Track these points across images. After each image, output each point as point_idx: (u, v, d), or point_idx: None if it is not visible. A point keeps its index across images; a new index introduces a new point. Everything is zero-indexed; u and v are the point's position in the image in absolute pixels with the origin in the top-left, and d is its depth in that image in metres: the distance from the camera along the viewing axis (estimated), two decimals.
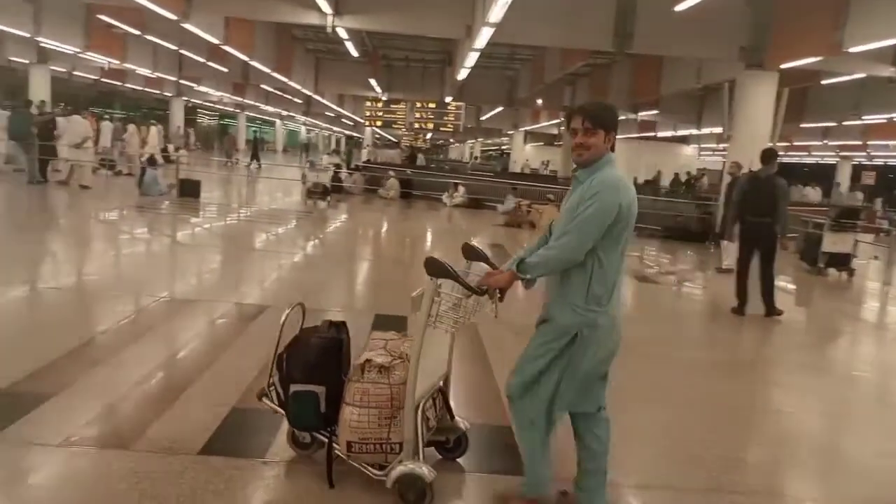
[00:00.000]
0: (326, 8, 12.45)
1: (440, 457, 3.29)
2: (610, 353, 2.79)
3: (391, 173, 19.02)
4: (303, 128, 66.24)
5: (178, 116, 33.39)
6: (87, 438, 3.24)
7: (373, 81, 24.96)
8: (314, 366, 2.96)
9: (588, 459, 2.88)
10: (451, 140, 59.64)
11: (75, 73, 27.32)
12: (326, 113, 44.44)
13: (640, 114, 24.54)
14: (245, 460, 3.18)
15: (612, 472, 2.96)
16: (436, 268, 2.71)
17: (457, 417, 3.30)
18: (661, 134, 30.50)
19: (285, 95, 34.91)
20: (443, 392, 3.24)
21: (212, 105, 43.64)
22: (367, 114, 27.01)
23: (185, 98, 35.43)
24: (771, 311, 7.26)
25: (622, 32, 12.35)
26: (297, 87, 24.90)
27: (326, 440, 2.94)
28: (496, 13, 9.38)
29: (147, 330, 5.16)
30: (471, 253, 3.05)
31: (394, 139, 49.96)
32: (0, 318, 5.26)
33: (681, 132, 29.13)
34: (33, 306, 5.79)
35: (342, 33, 14.51)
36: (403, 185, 18.86)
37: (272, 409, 3.08)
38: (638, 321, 7.53)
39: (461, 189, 18.04)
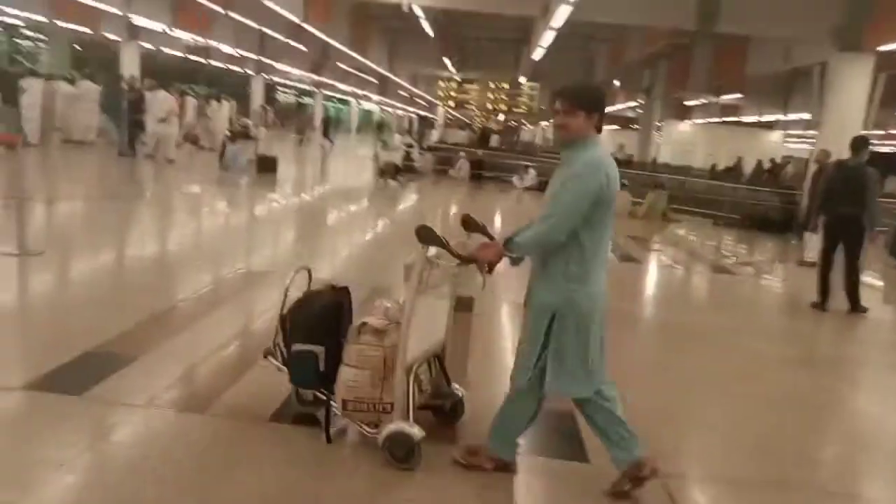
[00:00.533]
0: None
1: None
2: (592, 331, 2.78)
3: (462, 154, 19.00)
4: (377, 108, 66.94)
5: (258, 94, 34.26)
6: (168, 401, 3.41)
7: (446, 61, 24.93)
8: (314, 327, 3.10)
9: (604, 442, 2.88)
10: (524, 122, 59.05)
11: (163, 49, 28.45)
12: (400, 93, 44.72)
13: (722, 97, 23.57)
14: (309, 428, 3.26)
15: (678, 462, 2.90)
16: (427, 235, 2.78)
17: (453, 384, 3.40)
18: (745, 119, 29.22)
19: (361, 74, 35.30)
20: (439, 358, 3.33)
21: (291, 83, 44.65)
22: (441, 94, 27.10)
23: (266, 76, 36.32)
24: (855, 307, 6.90)
25: (706, 11, 11.86)
26: (372, 65, 25.13)
27: (321, 396, 3.07)
28: None
29: (224, 299, 5.38)
30: (470, 224, 3.08)
31: (466, 120, 49.84)
32: (90, 281, 5.60)
33: (766, 118, 27.83)
34: (121, 272, 6.11)
35: (418, 11, 14.53)
36: (474, 167, 18.84)
37: (276, 367, 3.21)
38: (711, 310, 7.35)
39: (532, 171, 17.87)
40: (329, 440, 3.10)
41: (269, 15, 18.27)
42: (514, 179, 17.75)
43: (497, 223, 12.10)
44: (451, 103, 27.58)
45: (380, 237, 9.53)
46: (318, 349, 3.06)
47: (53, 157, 13.18)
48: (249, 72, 34.91)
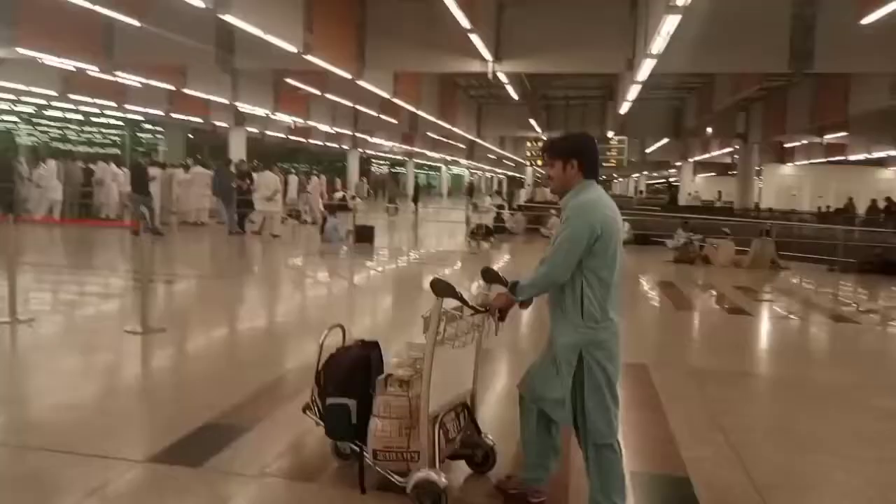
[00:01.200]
0: (487, 56, 12.88)
1: (471, 471, 3.48)
2: (618, 366, 2.92)
3: (553, 212, 18.96)
4: (466, 171, 68.35)
5: (353, 167, 35.86)
6: (279, 470, 3.52)
7: (533, 122, 25.26)
8: (344, 381, 3.25)
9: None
10: (615, 175, 58.45)
11: (267, 132, 30.50)
12: (488, 155, 45.56)
13: (826, 136, 22.48)
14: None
15: None
16: (441, 288, 2.93)
17: (484, 433, 3.46)
18: (852, 157, 27.69)
19: (450, 141, 36.34)
20: (467, 408, 3.41)
21: (384, 154, 46.54)
22: (528, 154, 27.32)
23: (360, 150, 38.05)
24: None
25: (800, 51, 11.48)
26: (461, 132, 25.83)
27: (356, 448, 3.19)
28: (658, 44, 9.17)
29: None
30: (489, 276, 3.22)
31: None
32: (206, 356, 5.92)
33: (876, 154, 26.26)
34: (233, 346, 6.44)
35: (503, 78, 14.90)
36: None
37: (314, 420, 3.38)
38: (833, 364, 6.83)
39: (626, 225, 17.54)
40: (363, 490, 3.19)
41: (361, 93, 19.33)
42: None
43: None
44: (540, 162, 27.67)
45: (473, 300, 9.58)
46: (350, 402, 3.21)
47: (172, 239, 14.22)
48: (345, 147, 36.74)
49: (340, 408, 3.21)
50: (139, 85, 18.35)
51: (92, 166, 18.15)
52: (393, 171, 61.59)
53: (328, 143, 36.05)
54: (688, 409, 4.79)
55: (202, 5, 9.00)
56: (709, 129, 24.16)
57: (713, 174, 40.95)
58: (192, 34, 13.36)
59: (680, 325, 8.24)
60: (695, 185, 36.44)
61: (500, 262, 13.93)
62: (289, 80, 18.07)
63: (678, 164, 37.50)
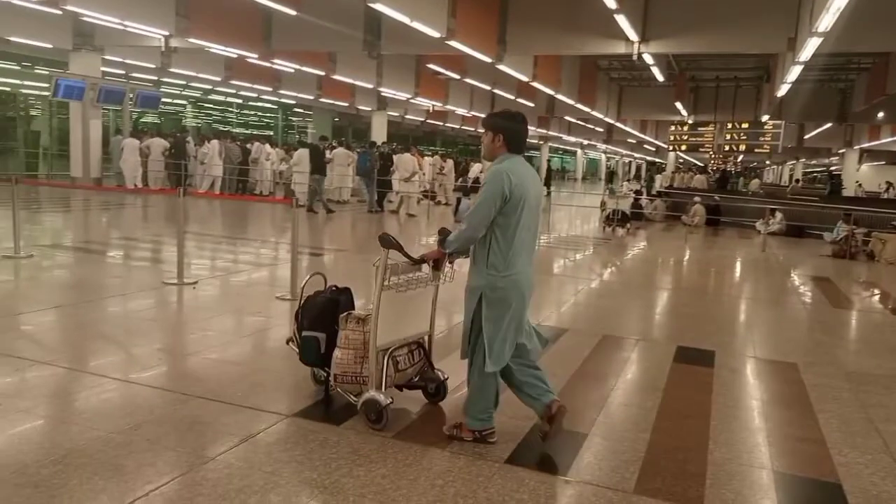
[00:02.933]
0: (633, 36, 12.44)
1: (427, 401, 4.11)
2: (515, 309, 3.44)
3: (696, 199, 18.06)
4: (602, 156, 66.54)
5: None
6: (413, 433, 3.67)
7: (679, 105, 24.09)
8: (316, 318, 3.93)
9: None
10: (767, 162, 54.50)
11: (406, 116, 31.39)
12: (627, 140, 44.04)
13: None
14: (547, 475, 3.30)
15: None
16: (386, 241, 3.54)
17: (438, 370, 4.08)
18: None
19: (587, 125, 35.51)
20: (422, 346, 4.04)
21: None
22: (672, 138, 26.12)
23: None
24: None
25: None
26: (600, 116, 25.16)
27: (324, 373, 3.93)
28: (826, 21, 8.41)
29: (449, 348, 5.65)
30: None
31: (699, 163, 47.34)
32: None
33: None
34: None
35: (648, 59, 14.32)
36: (710, 212, 17.78)
37: (294, 350, 4.05)
38: None
39: (778, 215, 16.36)
40: (328, 404, 3.97)
41: (499, 76, 19.34)
42: (758, 224, 16.38)
43: (736, 273, 11.24)
44: (684, 147, 26.39)
45: (607, 286, 9.36)
46: (321, 335, 3.91)
47: (320, 216, 15.04)
48: (480, 130, 36.96)
49: (313, 339, 3.92)
50: (292, 71, 19.50)
51: (248, 146, 19.57)
52: (526, 154, 61.23)
53: (464, 127, 36.46)
54: (842, 413, 4.43)
55: None
56: (880, 114, 21.86)
57: (882, 163, 37.07)
58: (342, 22, 14.01)
59: (836, 323, 7.60)
60: (858, 175, 33.17)
61: (635, 250, 13.50)
62: (430, 66, 18.42)
63: (841, 151, 34.31)
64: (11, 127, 21.47)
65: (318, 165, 15.37)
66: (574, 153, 61.66)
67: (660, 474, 3.39)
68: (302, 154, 17.76)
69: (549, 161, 42.27)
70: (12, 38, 15.50)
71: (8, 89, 21.12)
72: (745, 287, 9.92)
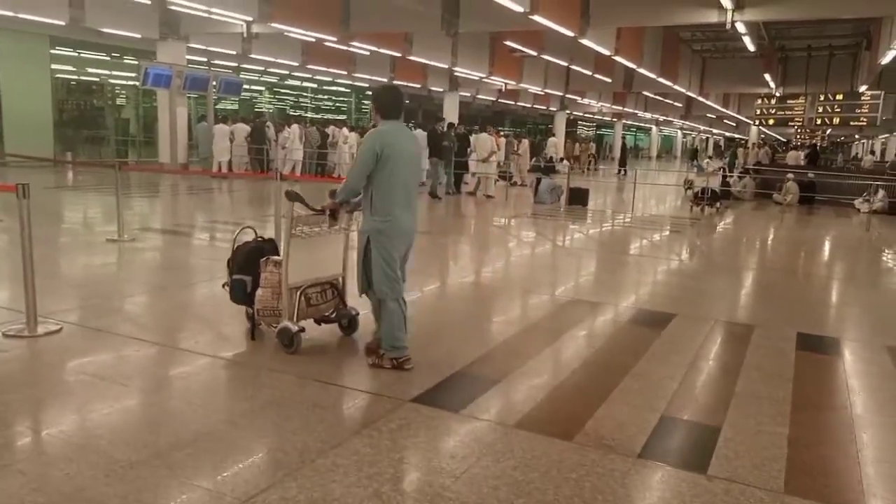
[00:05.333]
0: (727, 3, 11.78)
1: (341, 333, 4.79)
2: (395, 249, 4.10)
3: (789, 176, 17.13)
4: (679, 132, 64.29)
5: (560, 130, 35.31)
6: (535, 424, 3.54)
7: (767, 76, 22.88)
8: (243, 263, 4.60)
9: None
10: (857, 136, 51.36)
11: (478, 96, 31.05)
12: (707, 115, 42.31)
13: None
14: (686, 472, 3.12)
15: None
16: (292, 195, 4.21)
17: (351, 307, 4.75)
18: None
19: (665, 100, 34.27)
20: (335, 286, 4.69)
21: (591, 116, 45.28)
22: (758, 112, 24.84)
23: (568, 111, 37.32)
24: None
25: None
26: (682, 90, 24.19)
27: (251, 310, 4.61)
28: None
29: (561, 327, 5.48)
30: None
31: (781, 138, 45.06)
32: (445, 309, 6.16)
33: None
34: (467, 300, 6.63)
35: (741, 28, 13.57)
36: (803, 189, 16.85)
37: (227, 292, 4.68)
38: None
39: (881, 192, 15.33)
40: (253, 338, 4.64)
41: (576, 52, 18.80)
42: (857, 202, 15.42)
43: (843, 254, 10.57)
44: (771, 121, 25.09)
45: (709, 267, 8.95)
46: (247, 278, 4.57)
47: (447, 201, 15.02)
48: (553, 108, 36.27)
49: (240, 282, 4.59)
50: (367, 53, 19.52)
51: (326, 130, 19.78)
52: (598, 132, 59.86)
53: (536, 105, 35.83)
54: (879, 405, 4.04)
55: None
56: None
57: None
58: (421, 1, 13.84)
59: None
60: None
61: (729, 230, 12.90)
62: (507, 42, 18.06)
63: None
64: (101, 115, 22.41)
65: (437, 149, 15.14)
66: (648, 130, 59.83)
67: (808, 473, 3.16)
68: None
69: (623, 138, 41.03)
70: (104, 30, 16.07)
71: (98, 79, 22.02)
72: (857, 269, 9.32)
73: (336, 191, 4.19)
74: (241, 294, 4.61)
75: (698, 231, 12.26)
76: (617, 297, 6.78)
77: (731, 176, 18.37)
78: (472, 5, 13.20)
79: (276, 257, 4.51)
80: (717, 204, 14.66)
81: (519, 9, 11.20)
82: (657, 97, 33.25)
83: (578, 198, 14.65)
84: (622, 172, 27.58)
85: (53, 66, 19.12)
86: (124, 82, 22.50)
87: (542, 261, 9.01)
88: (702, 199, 14.55)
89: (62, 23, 14.94)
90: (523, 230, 11.80)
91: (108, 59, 21.24)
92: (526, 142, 21.35)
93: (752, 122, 33.39)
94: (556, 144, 27.28)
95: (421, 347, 4.68)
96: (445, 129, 15.96)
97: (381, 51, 18.36)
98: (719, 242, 11.53)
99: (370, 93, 4.39)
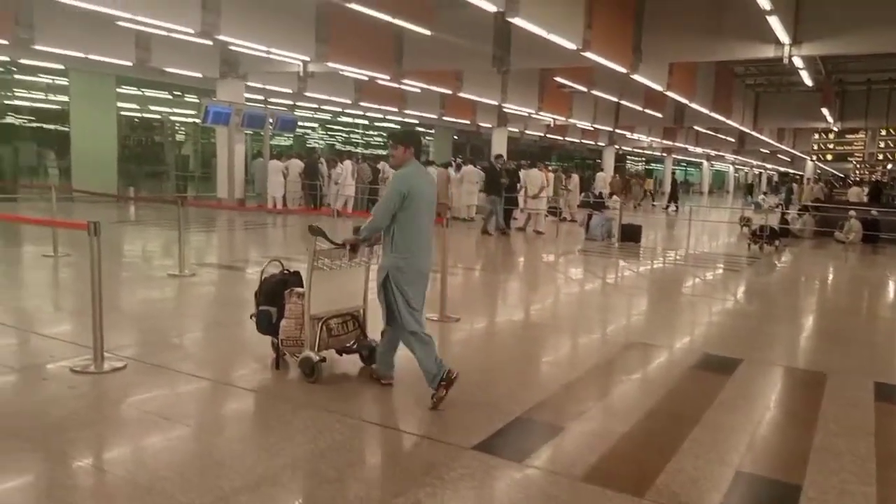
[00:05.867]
0: (785, 38, 11.58)
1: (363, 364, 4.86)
2: (412, 285, 4.25)
3: (851, 213, 16.54)
4: (731, 167, 63.12)
5: (609, 164, 35.07)
6: (603, 477, 3.39)
7: (824, 111, 22.33)
8: (270, 295, 4.77)
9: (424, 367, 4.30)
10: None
11: (526, 131, 31.14)
12: (760, 149, 41.49)
13: None
14: None
15: None
16: (315, 230, 4.40)
17: (371, 339, 4.80)
18: None
19: (717, 135, 33.77)
20: (356, 317, 4.83)
21: (640, 150, 44.88)
22: (815, 146, 24.26)
23: (617, 146, 37.09)
24: None
25: None
26: (735, 125, 23.78)
27: (276, 340, 4.77)
28: None
29: (623, 372, 5.33)
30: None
31: (838, 173, 43.76)
32: (501, 347, 6.06)
33: None
34: (524, 339, 6.52)
35: (798, 63, 13.30)
36: (867, 227, 16.21)
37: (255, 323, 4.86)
38: None
39: None
40: (278, 367, 4.78)
41: (626, 87, 18.72)
42: None
43: None
44: (829, 156, 24.41)
45: (771, 310, 8.63)
46: (272, 309, 4.76)
47: (446, 232, 15.07)
48: (601, 143, 36.11)
49: (266, 313, 4.78)
50: (418, 91, 19.82)
51: (378, 166, 20.05)
52: (647, 167, 59.18)
53: (584, 140, 35.73)
54: None
55: (493, 9, 9.32)
56: None
57: None
58: (471, 38, 14.03)
59: None
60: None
61: (792, 270, 12.47)
62: (557, 79, 18.11)
63: None
64: (162, 151, 23.26)
65: (495, 186, 15.09)
66: (699, 165, 58.91)
67: None
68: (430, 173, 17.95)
69: (673, 173, 40.35)
70: (168, 69, 16.75)
71: (159, 116, 22.91)
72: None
73: (361, 227, 4.38)
74: (267, 324, 4.79)
75: (758, 270, 11.88)
76: (678, 339, 6.57)
77: (789, 213, 17.82)
78: (523, 43, 13.29)
79: (299, 289, 4.66)
80: (777, 242, 14.22)
81: (571, 46, 11.22)
82: (709, 132, 32.80)
83: (631, 234, 14.41)
84: (674, 208, 27.14)
85: (118, 104, 19.96)
86: (184, 119, 23.34)
87: (598, 300, 8.84)
88: (760, 237, 14.14)
89: (129, 63, 15.62)
90: (576, 267, 11.64)
91: (169, 97, 22.09)
92: (575, 177, 21.20)
93: (808, 157, 32.61)
94: (604, 179, 27.06)
95: (479, 387, 4.61)
96: (502, 166, 15.96)
97: (432, 88, 18.59)
98: (781, 282, 11.14)
99: (403, 134, 4.47)
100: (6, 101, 18.40)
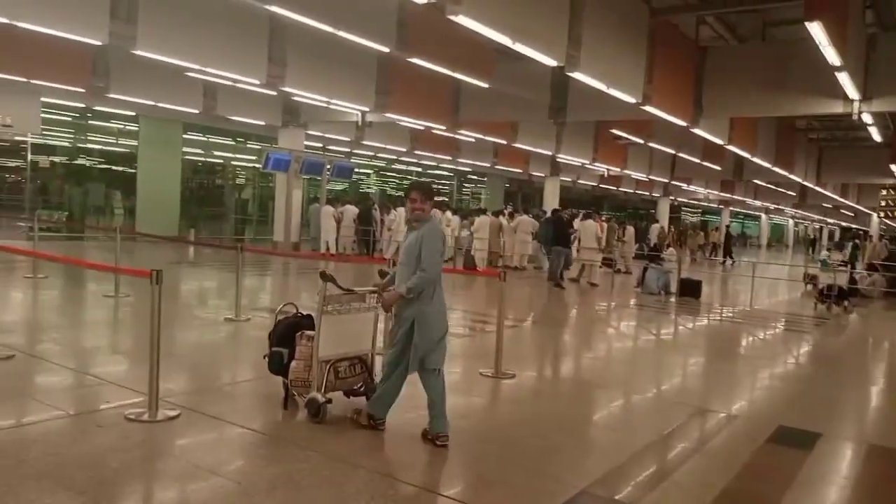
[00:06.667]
0: (854, 94, 11.22)
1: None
2: (436, 330, 4.44)
3: None
4: (790, 221, 61.38)
5: (664, 216, 34.48)
6: None
7: (893, 167, 21.48)
8: (282, 336, 4.94)
9: (430, 406, 4.43)
10: None
11: (578, 181, 30.97)
12: (822, 204, 40.21)
13: None
14: None
15: None
16: (326, 276, 4.56)
17: (377, 382, 4.80)
18: None
19: (776, 188, 32.92)
20: (364, 361, 4.99)
21: (696, 202, 44.10)
22: (882, 203, 23.34)
23: (672, 197, 36.52)
24: None
25: None
26: (798, 179, 23.12)
27: (286, 381, 4.91)
28: None
29: (691, 442, 5.02)
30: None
31: None
32: (559, 409, 5.79)
33: None
34: (576, 400, 6.25)
35: (867, 119, 12.87)
36: None
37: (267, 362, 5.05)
38: None
39: None
40: (286, 407, 4.92)
41: (684, 139, 18.43)
42: None
43: None
44: None
45: (848, 377, 8.12)
46: (284, 350, 4.92)
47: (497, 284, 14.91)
48: (655, 194, 35.62)
49: (278, 354, 4.95)
50: (473, 140, 19.97)
51: None
52: (703, 219, 58.04)
53: (638, 191, 35.31)
54: None
55: (552, 64, 9.31)
56: None
57: None
58: (529, 91, 14.09)
59: None
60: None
61: (867, 333, 11.82)
62: (613, 131, 17.99)
63: None
64: (222, 194, 23.94)
65: (564, 237, 14.99)
66: (757, 217, 57.50)
67: None
68: (482, 221, 17.94)
69: (727, 227, 39.23)
70: (232, 117, 17.33)
71: (221, 161, 23.65)
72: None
73: (385, 271, 4.79)
74: (278, 365, 4.95)
75: (827, 332, 11.30)
76: (750, 407, 6.21)
77: (857, 271, 17.04)
78: (581, 95, 13.25)
79: (309, 332, 4.78)
80: (846, 302, 13.56)
81: (631, 100, 11.12)
82: (769, 185, 31.98)
83: (690, 289, 13.97)
84: (730, 262, 26.38)
85: (183, 149, 20.70)
86: (245, 164, 24.04)
87: (659, 359, 8.49)
88: (828, 297, 13.51)
89: (196, 111, 16.23)
90: (634, 323, 11.29)
91: (232, 142, 22.82)
92: (631, 228, 20.87)
93: (873, 213, 31.39)
94: (659, 231, 26.55)
95: (539, 455, 4.39)
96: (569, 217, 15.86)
97: (487, 138, 18.69)
98: (855, 346, 10.56)
99: (429, 188, 4.71)
100: (79, 144, 19.27)
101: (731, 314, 12.94)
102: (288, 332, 4.93)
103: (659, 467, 4.47)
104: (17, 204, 17.61)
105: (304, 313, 5.12)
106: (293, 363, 4.82)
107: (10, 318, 7.81)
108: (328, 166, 18.15)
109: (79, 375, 5.69)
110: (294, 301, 5.32)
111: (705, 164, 21.80)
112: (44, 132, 17.07)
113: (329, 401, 4.63)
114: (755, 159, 18.50)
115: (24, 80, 12.94)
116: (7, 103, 15.07)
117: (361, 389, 4.98)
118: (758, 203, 41.52)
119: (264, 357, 5.08)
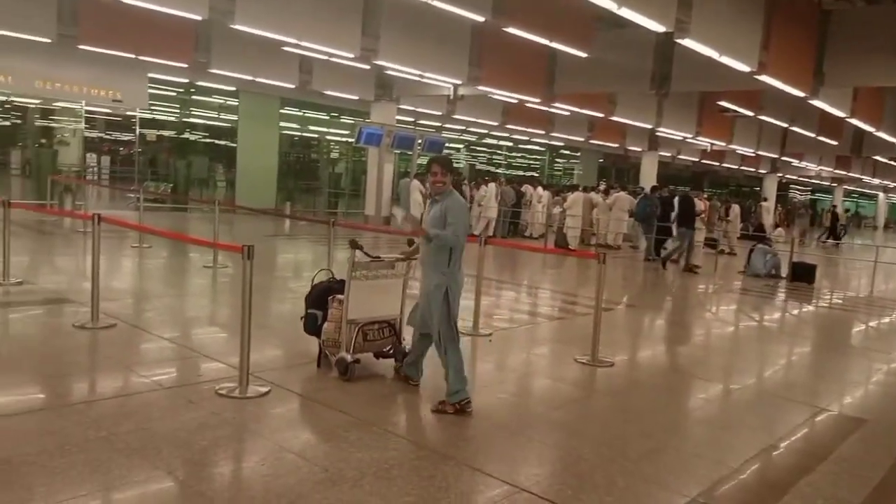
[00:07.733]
0: None
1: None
2: (457, 300, 4.63)
3: None
4: None
5: (772, 193, 32.43)
6: None
7: None
8: (317, 299, 5.26)
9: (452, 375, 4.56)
10: None
11: (678, 156, 29.51)
12: None
13: None
14: None
15: None
16: (353, 243, 4.89)
17: (403, 345, 5.22)
18: None
19: None
20: (392, 325, 5.27)
21: (806, 180, 41.30)
22: None
23: (780, 174, 34.32)
24: None
25: None
26: None
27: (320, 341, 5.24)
28: None
29: (817, 450, 4.50)
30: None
31: None
32: (667, 403, 5.39)
33: None
34: (683, 394, 5.81)
35: None
36: None
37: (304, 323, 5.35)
38: None
39: None
40: (319, 366, 5.22)
41: (799, 112, 17.06)
42: None
43: None
44: None
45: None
46: (319, 312, 5.22)
47: (592, 265, 14.38)
48: (762, 171, 33.53)
49: (313, 316, 5.27)
50: (567, 113, 19.29)
51: (521, 189, 19.69)
52: (812, 197, 54.39)
53: (742, 167, 33.35)
54: None
55: (660, 29, 8.68)
56: None
57: None
58: (629, 61, 13.37)
59: None
60: None
61: None
62: (720, 102, 16.86)
63: None
64: (317, 168, 24.38)
65: (689, 217, 14.14)
66: (873, 197, 53.34)
67: None
68: (576, 198, 17.35)
69: (833, 206, 36.22)
70: (327, 92, 17.48)
71: (316, 135, 24.03)
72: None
73: (413, 240, 5.02)
74: (313, 326, 5.28)
75: None
76: (880, 410, 5.57)
77: None
78: (687, 64, 12.43)
79: (340, 296, 5.05)
80: None
81: (745, 68, 10.28)
82: (891, 161, 29.41)
83: (804, 274, 12.96)
84: (836, 244, 24.58)
85: (280, 124, 21.15)
86: (338, 139, 24.34)
87: (773, 350, 7.85)
88: None
89: (292, 86, 16.46)
90: (743, 309, 10.56)
91: (326, 117, 23.12)
92: (736, 207, 19.64)
93: None
94: (768, 210, 24.97)
95: (642, 457, 4.04)
96: (648, 191, 15.06)
97: (583, 111, 17.99)
98: None
99: (450, 162, 4.76)
100: (183, 119, 20.04)
101: (852, 303, 11.90)
102: (322, 296, 5.24)
103: (778, 476, 4.03)
104: (128, 175, 18.57)
105: (337, 279, 5.38)
106: (325, 325, 5.13)
107: (115, 285, 8.12)
108: (419, 140, 18.01)
109: (174, 347, 5.78)
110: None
111: (820, 138, 20.18)
112: (151, 107, 17.86)
113: (357, 361, 4.96)
114: (880, 133, 16.92)
115: (133, 56, 13.46)
116: (117, 80, 15.83)
117: (390, 352, 5.23)
118: (875, 181, 38.35)
119: (301, 318, 5.39)
